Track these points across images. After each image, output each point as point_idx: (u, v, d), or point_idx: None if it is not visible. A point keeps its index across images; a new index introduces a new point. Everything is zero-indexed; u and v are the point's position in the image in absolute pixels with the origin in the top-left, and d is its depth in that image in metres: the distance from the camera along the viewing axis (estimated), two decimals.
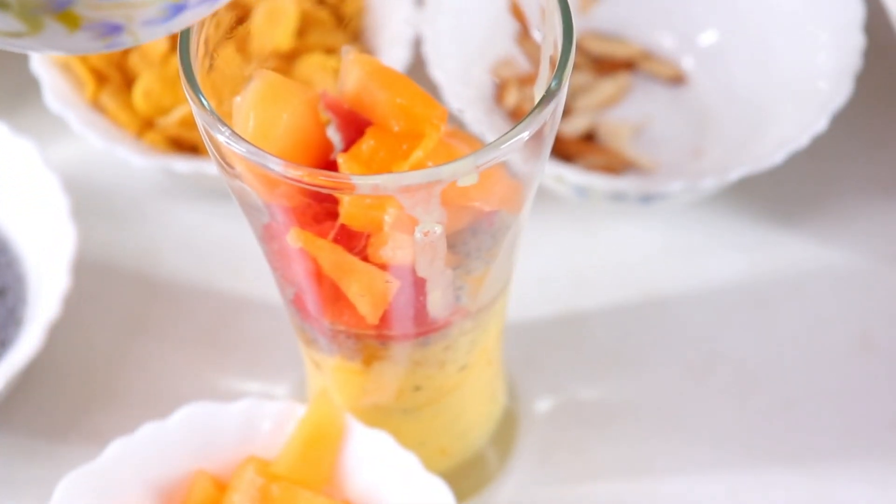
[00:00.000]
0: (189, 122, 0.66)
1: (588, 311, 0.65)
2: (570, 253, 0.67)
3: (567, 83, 0.42)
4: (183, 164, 0.64)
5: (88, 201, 0.68)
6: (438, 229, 0.42)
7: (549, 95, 0.42)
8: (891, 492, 0.59)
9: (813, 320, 0.65)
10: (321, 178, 0.41)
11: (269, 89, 0.44)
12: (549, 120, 0.43)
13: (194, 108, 0.43)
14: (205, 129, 0.43)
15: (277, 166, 0.41)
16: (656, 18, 0.73)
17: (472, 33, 0.67)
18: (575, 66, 0.72)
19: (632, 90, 0.72)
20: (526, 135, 0.41)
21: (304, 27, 0.68)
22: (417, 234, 0.42)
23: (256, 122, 0.44)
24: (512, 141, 0.41)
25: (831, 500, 0.59)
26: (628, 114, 0.71)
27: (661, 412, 0.62)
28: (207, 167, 0.64)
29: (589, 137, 0.70)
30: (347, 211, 0.43)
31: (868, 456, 0.60)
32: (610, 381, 0.63)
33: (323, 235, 0.44)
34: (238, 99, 0.46)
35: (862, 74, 0.67)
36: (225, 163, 0.44)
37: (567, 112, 0.71)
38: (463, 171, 0.40)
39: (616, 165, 0.69)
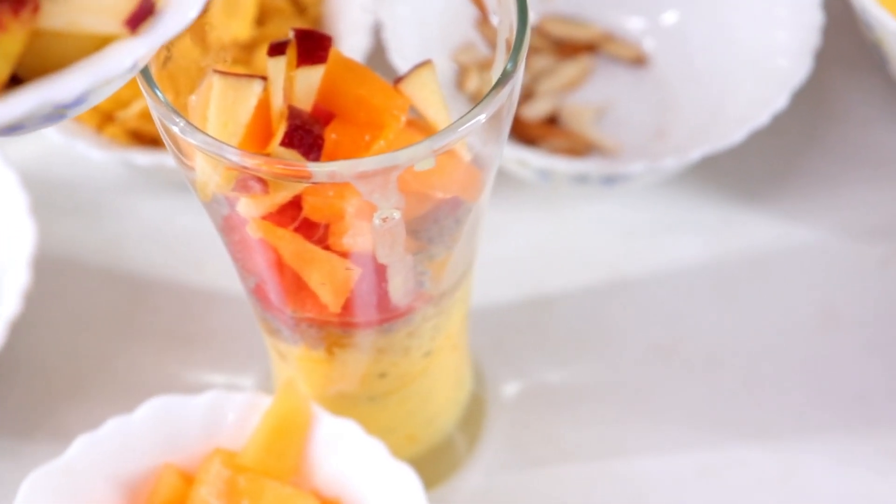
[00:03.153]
0: (149, 115, 0.66)
1: (554, 293, 0.65)
2: (535, 236, 0.67)
3: (522, 65, 0.42)
4: (144, 158, 0.64)
5: (48, 197, 0.68)
6: (397, 215, 0.42)
7: (504, 77, 0.42)
8: (855, 464, 0.59)
9: (777, 297, 0.65)
10: (278, 167, 0.40)
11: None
12: (506, 102, 0.42)
13: (149, 100, 0.42)
14: (160, 121, 0.43)
15: (234, 156, 0.41)
16: (617, 1, 0.73)
17: (432, 19, 0.67)
18: (537, 50, 0.72)
19: (594, 73, 0.72)
20: (483, 117, 0.41)
21: (263, 16, 0.68)
22: (376, 221, 0.42)
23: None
24: (469, 124, 0.41)
25: (799, 473, 0.59)
26: (591, 96, 0.71)
27: (628, 393, 0.62)
28: (168, 159, 0.63)
29: (552, 121, 0.70)
30: (309, 203, 0.43)
31: (833, 430, 0.60)
32: (577, 364, 0.63)
33: (283, 225, 0.44)
34: (193, 98, 0.45)
35: (821, 51, 0.67)
36: (181, 154, 0.43)
37: (529, 96, 0.70)
38: (419, 156, 0.40)
39: (579, 148, 0.69)
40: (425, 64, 0.45)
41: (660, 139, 0.69)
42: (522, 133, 0.69)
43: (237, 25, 0.65)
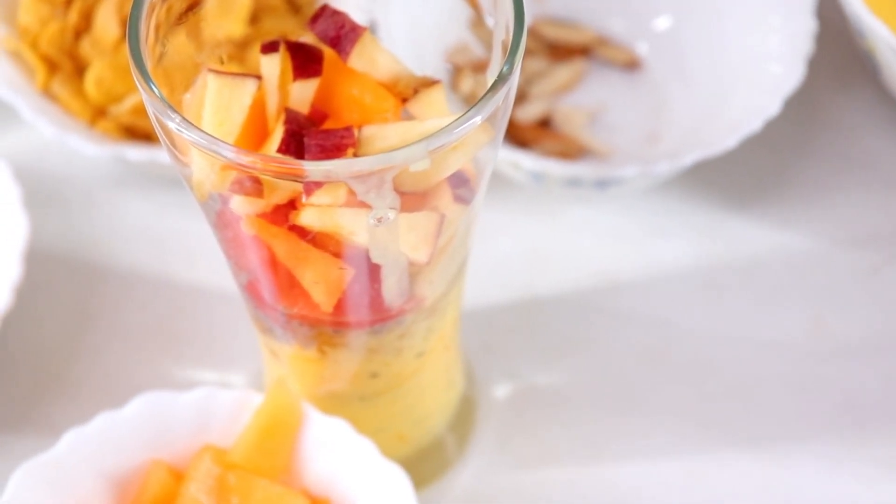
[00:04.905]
0: (142, 110, 0.66)
1: (545, 296, 0.65)
2: (527, 239, 0.67)
3: (519, 67, 0.42)
4: (136, 153, 0.64)
5: (40, 191, 0.67)
6: (392, 215, 0.42)
7: (501, 80, 0.42)
8: (842, 472, 0.60)
9: (767, 303, 0.65)
10: (273, 165, 0.40)
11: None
12: (502, 105, 0.43)
13: (144, 96, 0.42)
14: (155, 117, 0.42)
15: (229, 153, 0.41)
16: (611, 4, 0.74)
17: (426, 20, 0.67)
18: (530, 53, 0.72)
19: (587, 76, 0.72)
20: (478, 119, 0.41)
21: (258, 14, 0.68)
22: (371, 221, 0.42)
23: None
24: (464, 125, 0.41)
25: (785, 480, 0.60)
26: (584, 100, 0.72)
27: (617, 396, 0.62)
28: (161, 155, 0.63)
29: (544, 124, 0.70)
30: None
31: (820, 437, 0.61)
32: (567, 366, 0.63)
33: (277, 223, 0.44)
34: (188, 96, 0.45)
35: (814, 58, 0.68)
36: (177, 151, 0.43)
37: (522, 98, 0.71)
38: (415, 157, 0.40)
39: (572, 151, 0.69)
40: (434, 84, 0.45)
41: (652, 144, 0.70)
42: (515, 135, 0.69)
43: (231, 23, 0.65)
